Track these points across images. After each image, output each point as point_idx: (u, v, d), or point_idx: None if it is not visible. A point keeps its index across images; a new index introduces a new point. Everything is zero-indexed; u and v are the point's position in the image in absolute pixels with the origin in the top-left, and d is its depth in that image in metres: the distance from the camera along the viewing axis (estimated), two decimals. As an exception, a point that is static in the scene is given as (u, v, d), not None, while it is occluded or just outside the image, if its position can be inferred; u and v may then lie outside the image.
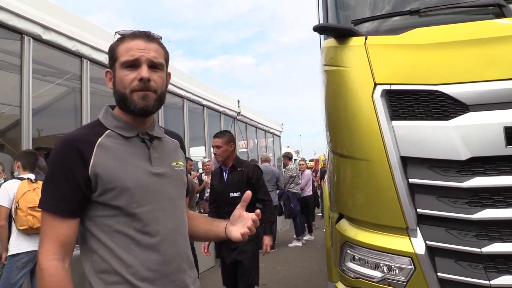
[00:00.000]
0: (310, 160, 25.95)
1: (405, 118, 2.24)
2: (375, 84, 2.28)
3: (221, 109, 11.79)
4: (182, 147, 1.79)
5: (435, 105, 2.18)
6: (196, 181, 8.80)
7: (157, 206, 1.49)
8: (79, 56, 6.37)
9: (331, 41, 2.56)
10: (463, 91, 2.14)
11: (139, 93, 1.46)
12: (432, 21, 2.35)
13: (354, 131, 2.39)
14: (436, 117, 2.18)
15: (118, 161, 1.44)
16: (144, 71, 1.46)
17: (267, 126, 16.74)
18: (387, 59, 2.31)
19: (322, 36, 2.93)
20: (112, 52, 1.52)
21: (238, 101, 13.08)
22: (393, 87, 2.25)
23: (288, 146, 35.01)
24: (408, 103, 2.24)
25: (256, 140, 16.61)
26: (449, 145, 2.14)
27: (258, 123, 15.50)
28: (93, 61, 6.57)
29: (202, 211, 8.64)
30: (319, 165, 19.71)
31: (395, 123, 2.25)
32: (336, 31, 2.50)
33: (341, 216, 2.63)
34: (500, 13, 2.25)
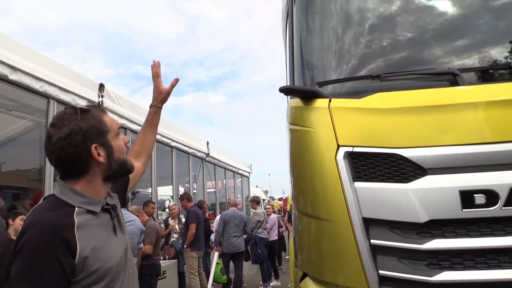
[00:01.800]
0: (279, 199, 25.91)
1: (367, 180, 2.30)
2: (338, 146, 2.34)
3: (190, 150, 11.75)
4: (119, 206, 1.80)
5: (395, 167, 2.26)
6: (162, 225, 8.61)
7: (125, 277, 1.53)
8: (46, 96, 6.26)
9: (297, 101, 2.63)
10: (421, 155, 2.22)
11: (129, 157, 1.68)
12: (392, 86, 2.47)
13: (318, 191, 2.43)
14: (396, 179, 2.25)
15: (98, 242, 1.43)
16: (125, 136, 1.67)
17: (235, 167, 16.75)
18: (349, 122, 2.38)
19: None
20: (101, 126, 1.54)
21: (208, 143, 13.09)
22: (356, 149, 2.32)
23: (256, 186, 34.95)
24: (370, 165, 2.30)
25: (224, 180, 16.56)
26: (408, 207, 2.20)
27: (227, 164, 15.50)
28: (60, 102, 6.47)
29: (167, 257, 8.39)
30: (288, 206, 19.67)
31: (358, 184, 2.30)
32: (301, 93, 2.58)
33: (305, 274, 2.61)
34: (454, 81, 2.39)
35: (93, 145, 1.50)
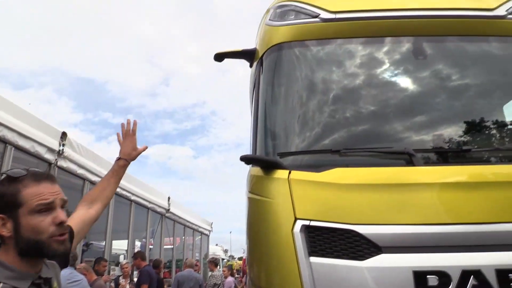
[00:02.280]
0: (239, 258, 25.27)
1: (323, 255, 2.27)
2: (296, 219, 2.33)
3: (150, 205, 11.44)
4: (58, 274, 1.67)
5: (351, 244, 2.25)
6: (112, 284, 8.15)
7: None
8: (4, 141, 6.03)
9: (258, 170, 2.63)
10: (376, 232, 2.24)
11: (58, 238, 1.43)
12: (351, 161, 2.53)
13: (272, 263, 2.38)
14: (351, 256, 2.23)
15: None
16: (62, 215, 1.45)
17: (196, 225, 16.39)
18: (308, 195, 2.39)
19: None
20: (13, 198, 1.42)
21: (169, 198, 12.83)
22: (313, 223, 2.31)
23: (216, 244, 34.13)
24: (326, 240, 2.29)
25: (183, 237, 16.09)
26: (363, 286, 2.17)
27: (187, 221, 15.15)
28: (19, 148, 6.23)
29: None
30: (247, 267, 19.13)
31: (313, 259, 2.26)
32: (261, 163, 2.60)
33: None
34: (409, 161, 2.47)
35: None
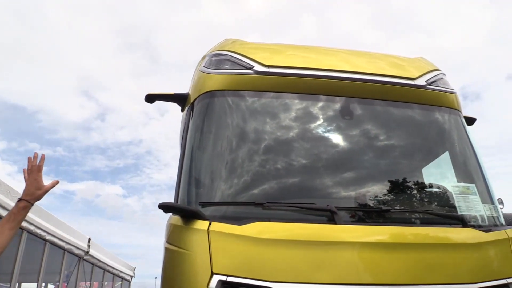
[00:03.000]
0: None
1: None
2: (212, 273, 2.22)
3: (66, 246, 10.62)
4: None
5: None
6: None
7: None
8: None
9: (177, 219, 2.51)
10: None
11: None
12: (273, 216, 2.49)
13: None
14: None
15: None
16: None
17: (117, 270, 15.42)
18: (227, 249, 2.30)
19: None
20: None
21: (89, 239, 12.03)
22: (230, 279, 2.21)
23: (139, 291, 32.29)
24: None
25: (102, 282, 15.04)
26: None
27: (108, 265, 14.23)
28: None
29: None
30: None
31: None
32: (181, 212, 2.49)
33: None
34: (331, 219, 2.48)
35: None
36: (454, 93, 3.47)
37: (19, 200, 2.14)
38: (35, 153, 2.22)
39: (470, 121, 3.85)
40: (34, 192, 2.18)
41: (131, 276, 17.84)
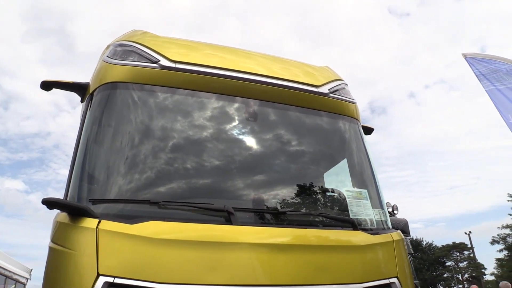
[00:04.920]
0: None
1: None
2: (98, 275, 2.09)
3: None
4: None
5: None
6: None
7: None
8: None
9: (64, 216, 2.34)
10: None
11: None
12: (168, 215, 2.41)
13: None
14: None
15: None
16: None
17: (10, 271, 14.16)
18: (116, 249, 2.18)
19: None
20: None
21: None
22: (117, 280, 2.10)
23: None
24: None
25: (-9, 285, 13.72)
26: None
27: (-1, 266, 13.00)
28: None
29: None
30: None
31: None
32: (68, 209, 2.32)
33: None
34: (228, 219, 2.47)
35: None
36: (354, 103, 3.65)
37: None
38: None
39: (369, 130, 4.10)
40: None
41: (27, 279, 16.49)
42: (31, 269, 16.54)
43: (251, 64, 3.25)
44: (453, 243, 62.31)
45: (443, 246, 63.37)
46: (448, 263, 62.87)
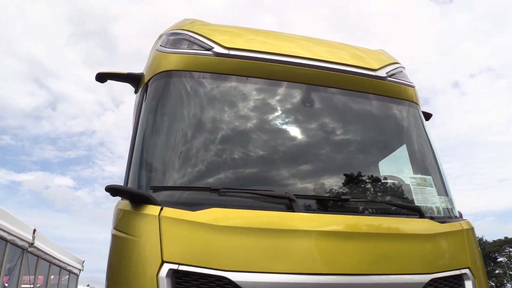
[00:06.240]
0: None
1: None
2: (163, 262, 2.08)
3: (9, 237, 10.02)
4: None
5: None
6: None
7: None
8: None
9: (125, 204, 2.34)
10: (249, 281, 2.08)
11: None
12: (229, 202, 2.37)
13: None
14: None
15: None
16: None
17: (64, 262, 14.78)
18: (179, 236, 2.16)
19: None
20: None
21: (34, 230, 11.42)
22: (181, 268, 2.07)
23: (88, 285, 31.25)
24: (195, 287, 2.06)
25: (48, 276, 14.36)
26: None
27: (54, 257, 13.59)
28: None
29: None
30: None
31: None
32: (131, 196, 2.31)
33: None
34: (290, 206, 2.40)
35: None
36: (413, 86, 3.48)
37: None
38: None
39: (427, 116, 3.90)
40: None
41: (80, 270, 17.21)
42: (83, 261, 17.22)
43: (306, 49, 3.16)
44: (505, 238, 59.67)
45: (494, 241, 60.83)
46: (500, 259, 60.27)
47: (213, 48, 2.90)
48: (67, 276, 16.59)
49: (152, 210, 2.22)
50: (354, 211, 2.64)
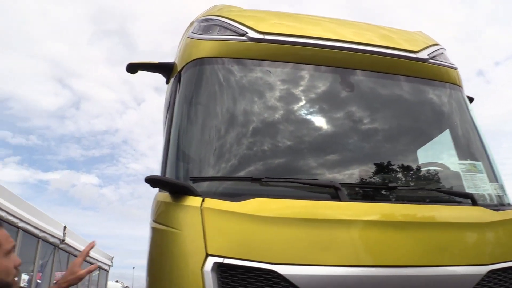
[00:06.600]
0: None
1: None
2: (207, 255, 1.98)
3: (41, 234, 10.20)
4: None
5: (269, 286, 1.95)
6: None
7: None
8: None
9: (165, 196, 2.26)
10: (299, 274, 1.97)
11: (16, 282, 1.54)
12: (272, 192, 2.26)
13: None
14: None
15: None
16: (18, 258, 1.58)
17: (94, 258, 15.02)
18: (223, 228, 2.06)
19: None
20: None
21: (65, 227, 11.61)
22: (227, 261, 1.98)
23: (117, 281, 31.89)
24: (241, 282, 1.96)
25: (78, 272, 14.59)
26: None
27: (85, 253, 13.78)
28: None
29: None
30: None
31: None
32: (171, 187, 2.23)
33: None
34: (335, 195, 2.27)
35: None
36: (455, 68, 3.30)
37: (54, 283, 2.18)
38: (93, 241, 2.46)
39: (469, 99, 3.71)
40: (67, 277, 2.14)
41: (109, 266, 17.49)
42: (112, 257, 17.47)
43: (343, 32, 3.01)
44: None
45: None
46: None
47: (247, 33, 2.78)
48: (98, 272, 16.88)
49: (193, 201, 2.13)
50: (402, 199, 2.49)
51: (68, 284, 2.11)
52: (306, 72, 2.81)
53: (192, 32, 2.94)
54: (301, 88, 2.77)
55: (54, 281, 2.42)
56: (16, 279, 1.56)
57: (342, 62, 2.86)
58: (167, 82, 3.27)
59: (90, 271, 2.25)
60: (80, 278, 2.16)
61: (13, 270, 1.55)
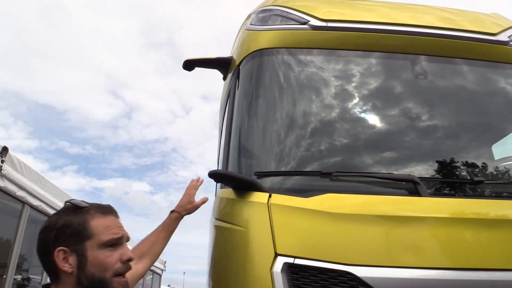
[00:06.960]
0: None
1: None
2: (276, 255, 1.82)
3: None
4: None
5: None
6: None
7: None
8: None
9: (228, 192, 2.13)
10: (378, 276, 1.76)
11: (120, 279, 1.38)
12: (344, 187, 2.08)
13: None
14: None
15: None
16: (130, 251, 1.41)
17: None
18: (293, 225, 1.89)
19: (218, 183, 2.54)
20: (82, 228, 1.35)
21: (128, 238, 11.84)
22: (298, 261, 1.80)
23: (169, 285, 32.54)
24: (314, 284, 1.78)
25: (133, 276, 14.91)
26: None
27: (139, 258, 14.05)
28: None
29: None
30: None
31: None
32: (235, 182, 2.09)
33: None
34: (414, 191, 2.05)
35: (59, 248, 1.32)
36: None
37: (172, 211, 2.27)
38: (198, 177, 2.51)
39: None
40: (185, 205, 2.29)
41: (162, 270, 17.74)
42: (165, 261, 17.72)
43: (412, 16, 2.77)
44: None
45: None
46: None
47: (308, 21, 2.62)
48: (151, 276, 17.17)
49: (259, 197, 1.98)
50: (490, 195, 2.22)
51: (187, 212, 2.28)
52: (375, 59, 2.61)
53: (251, 24, 2.82)
54: (367, 76, 2.57)
55: (171, 210, 2.39)
56: (119, 277, 1.38)
57: (413, 48, 2.63)
58: (224, 78, 3.17)
59: (203, 202, 2.36)
60: (196, 207, 2.31)
61: (113, 265, 1.36)
